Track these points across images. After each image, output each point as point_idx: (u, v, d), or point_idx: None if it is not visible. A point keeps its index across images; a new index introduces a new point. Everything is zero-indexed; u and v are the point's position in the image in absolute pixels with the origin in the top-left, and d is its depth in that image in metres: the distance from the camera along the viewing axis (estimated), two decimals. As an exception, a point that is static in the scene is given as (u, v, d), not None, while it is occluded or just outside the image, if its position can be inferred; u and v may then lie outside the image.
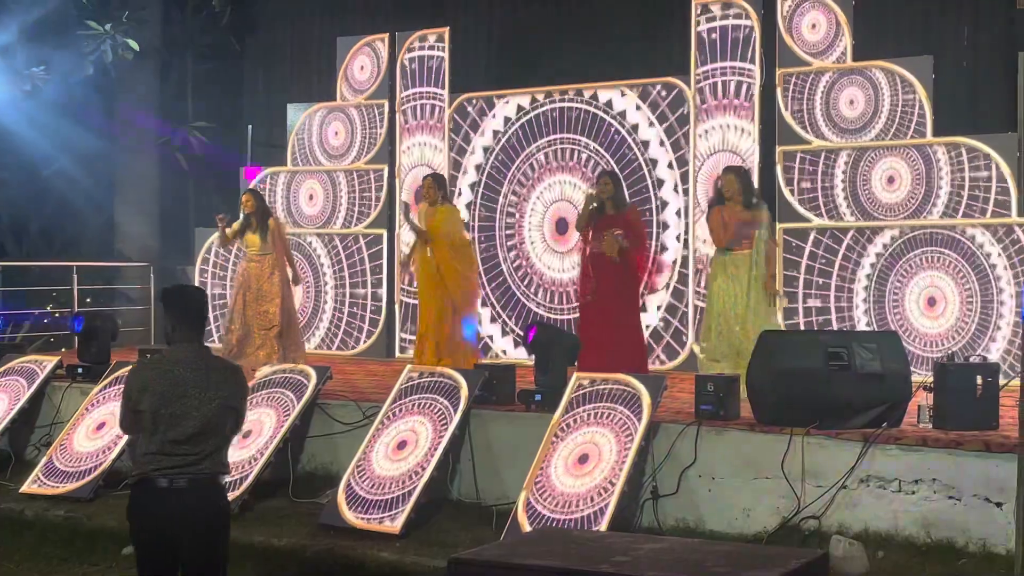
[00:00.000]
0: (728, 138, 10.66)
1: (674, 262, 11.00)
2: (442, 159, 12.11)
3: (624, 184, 10.05)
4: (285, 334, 10.50)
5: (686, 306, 10.87)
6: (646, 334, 10.54)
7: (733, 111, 10.64)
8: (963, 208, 9.83)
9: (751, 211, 8.61)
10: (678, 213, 10.97)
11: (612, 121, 11.27)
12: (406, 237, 11.64)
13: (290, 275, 10.69)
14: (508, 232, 11.89)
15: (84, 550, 7.32)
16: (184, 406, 4.93)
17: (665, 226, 11.06)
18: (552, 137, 11.63)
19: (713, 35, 10.73)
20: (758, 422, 6.94)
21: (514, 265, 11.85)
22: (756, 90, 10.55)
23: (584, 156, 11.45)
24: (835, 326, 10.18)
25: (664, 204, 11.05)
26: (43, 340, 12.96)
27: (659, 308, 11.01)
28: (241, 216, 10.83)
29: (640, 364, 9.19)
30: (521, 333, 11.34)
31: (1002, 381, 6.97)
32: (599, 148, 11.34)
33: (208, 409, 5.00)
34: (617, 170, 10.70)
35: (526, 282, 11.77)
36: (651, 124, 11.07)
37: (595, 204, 9.32)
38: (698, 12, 10.81)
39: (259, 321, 10.41)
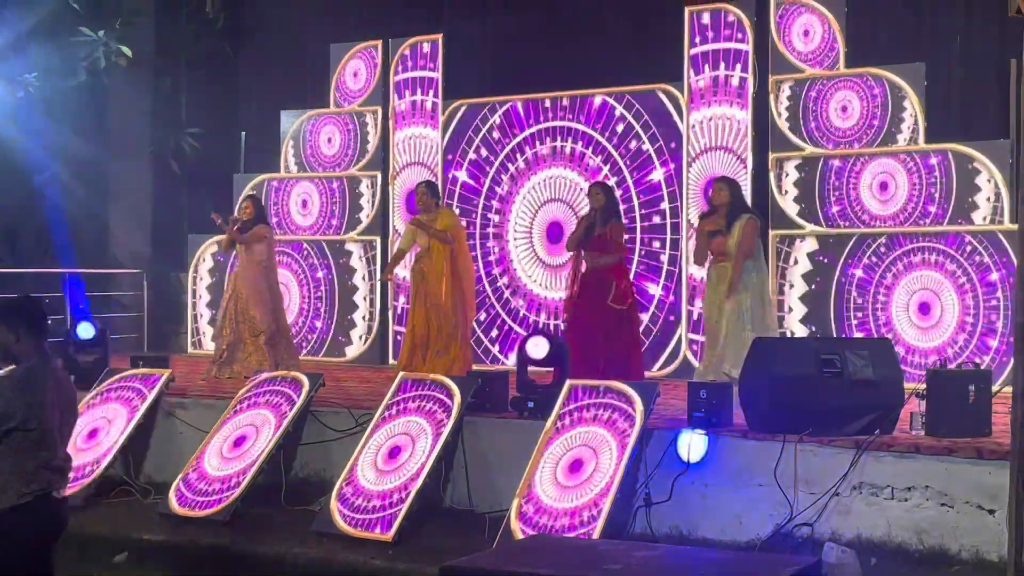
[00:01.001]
0: (721, 135, 10.66)
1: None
2: (436, 166, 12.09)
3: (616, 194, 10.09)
4: (276, 341, 10.44)
5: (678, 314, 10.86)
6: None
7: (728, 106, 10.65)
8: (957, 214, 9.84)
9: (730, 231, 8.89)
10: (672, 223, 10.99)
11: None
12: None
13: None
14: (493, 230, 11.88)
15: (75, 557, 7.28)
16: (70, 422, 4.90)
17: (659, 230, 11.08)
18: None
19: (707, 39, 10.75)
20: (751, 429, 6.95)
21: (498, 271, 11.83)
22: (750, 94, 10.57)
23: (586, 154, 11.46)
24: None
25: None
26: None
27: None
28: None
29: (633, 374, 9.18)
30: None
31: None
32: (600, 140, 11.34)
33: (74, 422, 5.01)
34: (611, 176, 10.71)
35: (510, 291, 11.74)
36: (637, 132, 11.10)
37: (589, 223, 9.39)
38: (691, 17, 10.83)
39: (248, 327, 10.37)
